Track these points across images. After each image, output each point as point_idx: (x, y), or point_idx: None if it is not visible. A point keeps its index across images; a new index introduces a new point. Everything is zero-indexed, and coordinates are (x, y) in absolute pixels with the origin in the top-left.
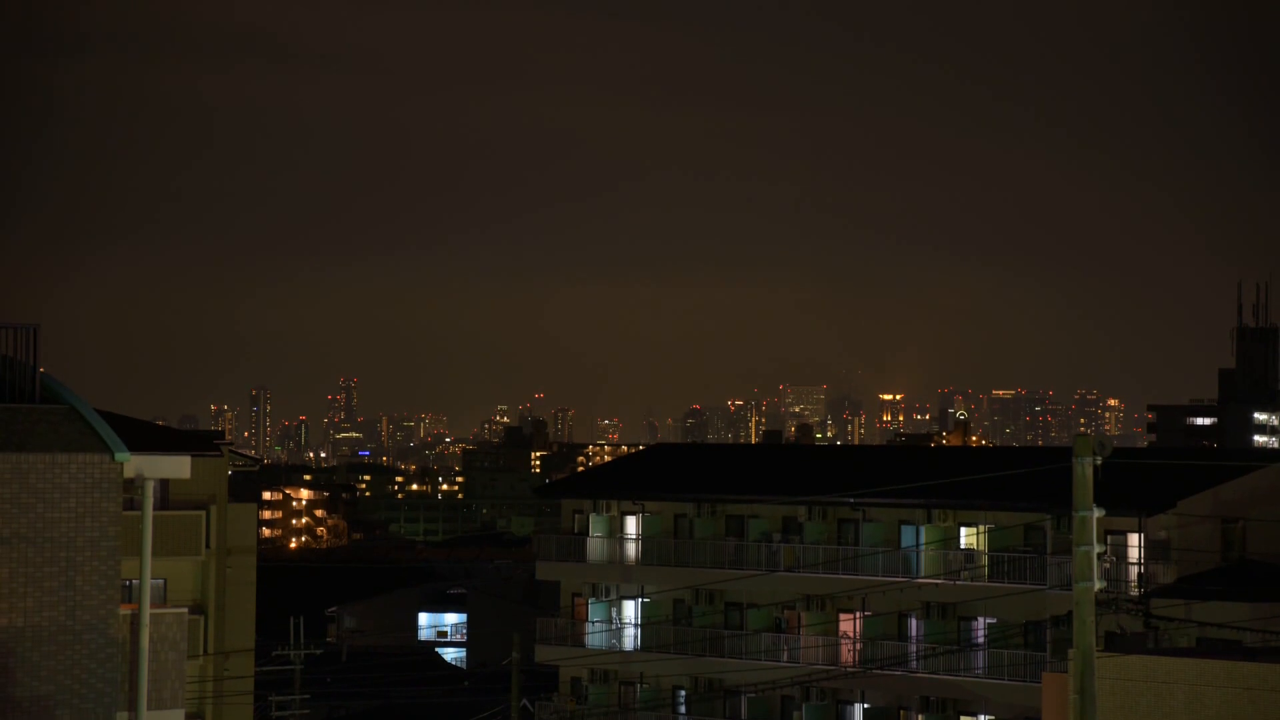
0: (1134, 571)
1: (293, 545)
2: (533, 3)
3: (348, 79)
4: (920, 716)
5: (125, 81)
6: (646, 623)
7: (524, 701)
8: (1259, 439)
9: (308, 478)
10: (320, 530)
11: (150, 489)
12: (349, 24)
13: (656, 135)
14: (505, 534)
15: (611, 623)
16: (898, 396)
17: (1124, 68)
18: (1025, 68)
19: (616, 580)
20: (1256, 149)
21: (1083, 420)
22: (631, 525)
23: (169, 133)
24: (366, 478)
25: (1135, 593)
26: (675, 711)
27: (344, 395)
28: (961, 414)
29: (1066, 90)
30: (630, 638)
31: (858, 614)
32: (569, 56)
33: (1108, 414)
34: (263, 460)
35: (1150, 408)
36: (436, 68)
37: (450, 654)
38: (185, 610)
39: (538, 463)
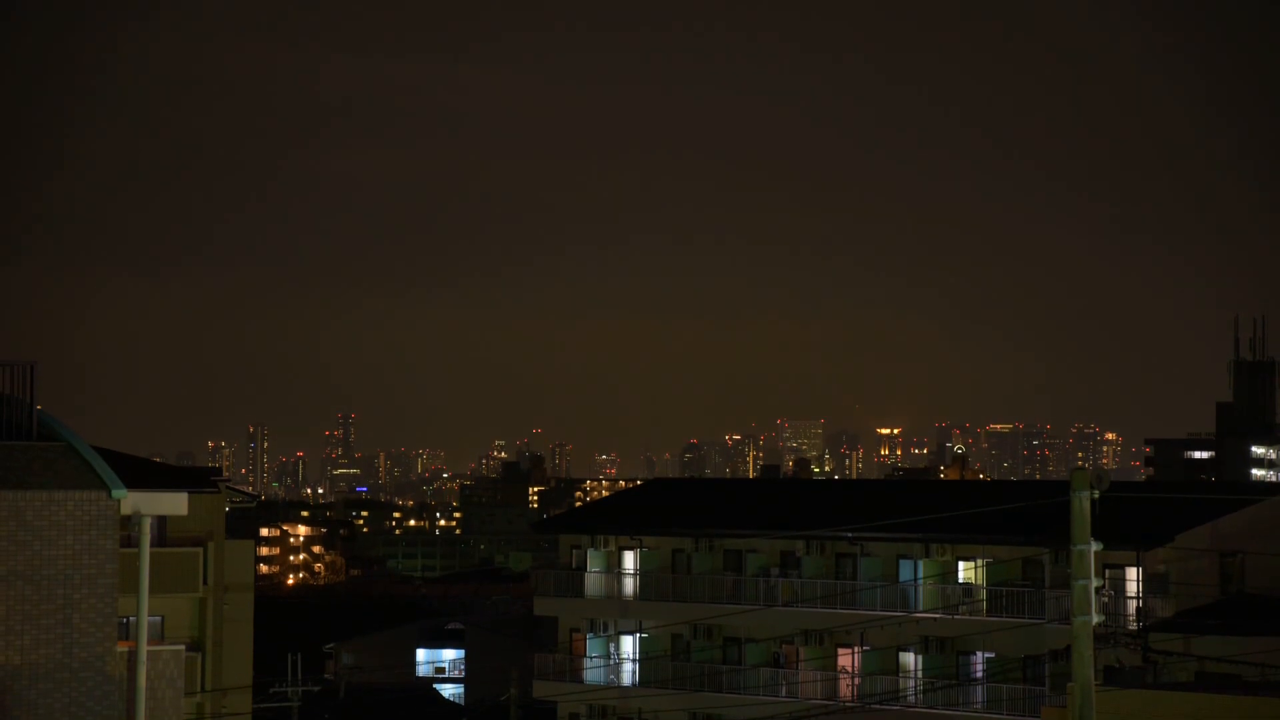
0: (1132, 605)
1: (290, 582)
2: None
3: (350, 124)
4: None
5: (128, 118)
6: (645, 658)
7: None
8: (1257, 472)
9: (305, 514)
10: (318, 567)
11: (147, 526)
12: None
13: (652, 173)
14: (503, 569)
15: (609, 658)
16: (895, 431)
17: (1116, 106)
18: (1018, 109)
19: (614, 615)
20: (1253, 182)
21: (1080, 454)
22: (629, 560)
23: (169, 168)
24: (364, 514)
25: (1134, 627)
26: None
27: (342, 431)
28: (959, 448)
29: (1059, 129)
30: (628, 673)
31: (856, 649)
32: (570, 108)
33: (1105, 448)
34: (260, 497)
35: (1148, 441)
36: (431, 115)
37: (448, 690)
38: (182, 647)
39: (535, 498)
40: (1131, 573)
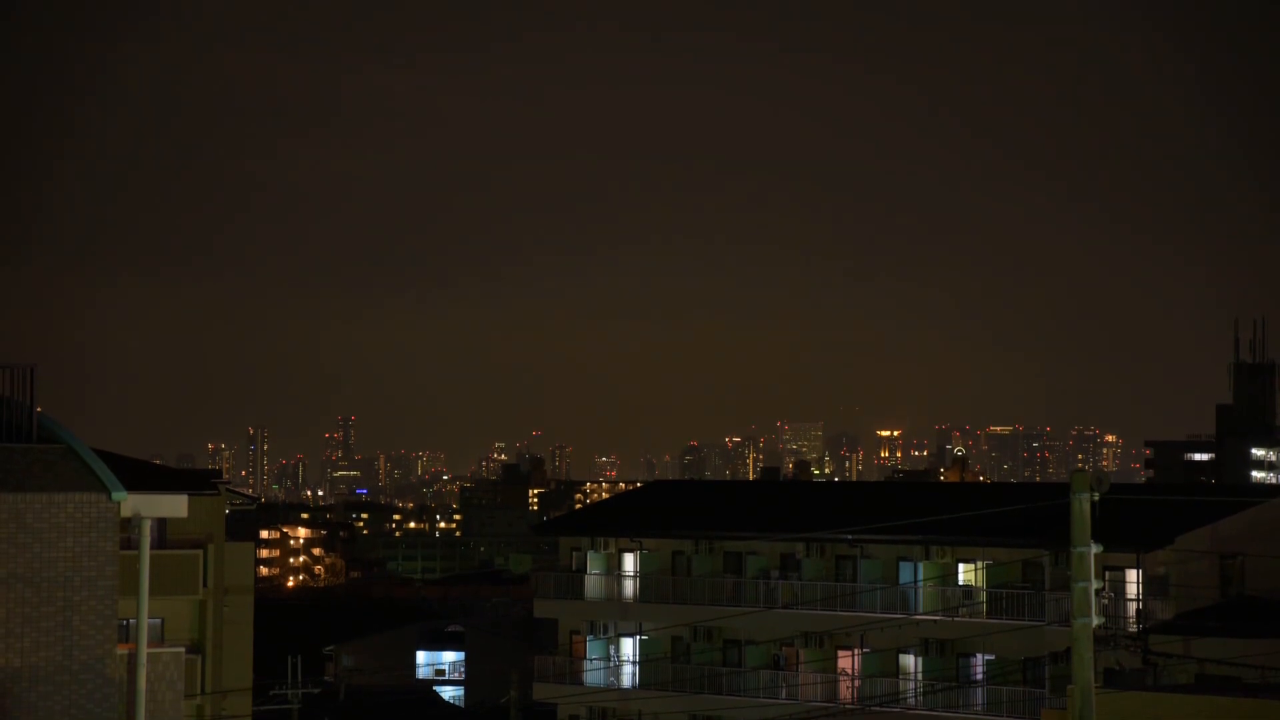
0: (1132, 608)
1: (290, 584)
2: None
3: (351, 124)
4: None
5: (128, 120)
6: (645, 660)
7: None
8: (1257, 474)
9: (305, 516)
10: (318, 569)
11: (147, 528)
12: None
13: (651, 173)
14: (503, 572)
15: (609, 660)
16: (895, 433)
17: (1117, 108)
18: (1018, 109)
19: (614, 618)
20: (1253, 182)
21: (1080, 456)
22: (629, 562)
23: (169, 169)
24: (364, 516)
25: (1134, 629)
26: None
27: (342, 433)
28: (959, 450)
29: (1059, 129)
30: (628, 675)
31: (856, 651)
32: (554, 107)
33: (1105, 450)
34: (260, 499)
35: (1148, 443)
36: (430, 117)
37: (448, 692)
38: (182, 650)
39: (535, 500)
40: (1131, 575)
